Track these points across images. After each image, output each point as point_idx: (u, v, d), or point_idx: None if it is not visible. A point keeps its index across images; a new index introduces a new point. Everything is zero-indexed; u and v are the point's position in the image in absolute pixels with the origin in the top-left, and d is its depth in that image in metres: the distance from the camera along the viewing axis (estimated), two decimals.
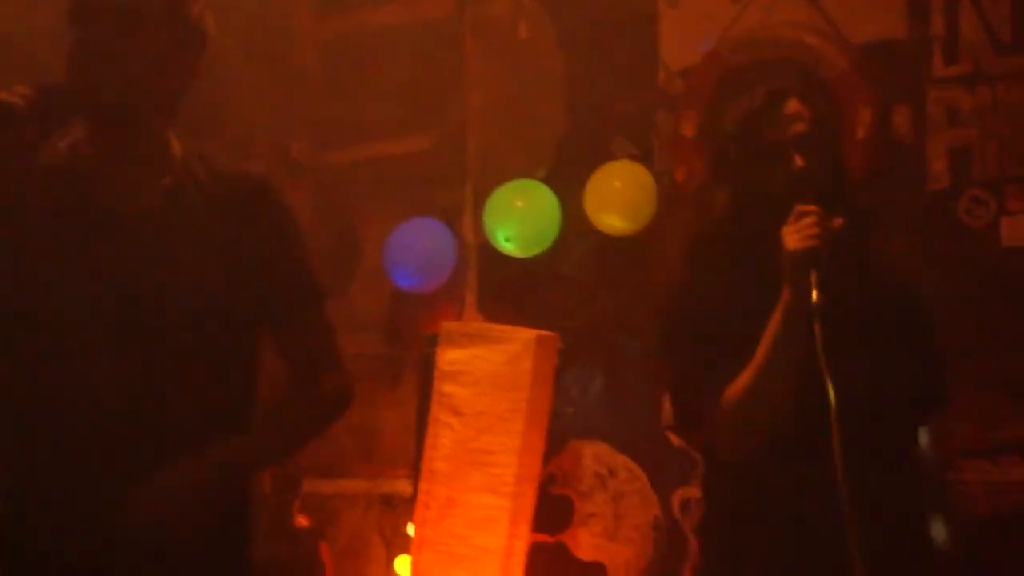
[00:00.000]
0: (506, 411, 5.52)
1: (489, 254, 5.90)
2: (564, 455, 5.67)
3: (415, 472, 5.70)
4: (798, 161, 3.29)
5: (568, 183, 5.73)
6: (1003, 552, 4.66)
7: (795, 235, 3.16)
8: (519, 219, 5.76)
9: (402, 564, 5.75)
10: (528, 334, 5.56)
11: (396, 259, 5.97)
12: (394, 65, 6.23)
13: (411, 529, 5.64)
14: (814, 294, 3.10)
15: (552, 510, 5.62)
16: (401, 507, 5.93)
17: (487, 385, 5.57)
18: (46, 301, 3.03)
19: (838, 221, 3.18)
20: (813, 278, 3.11)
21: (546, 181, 5.81)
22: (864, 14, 5.26)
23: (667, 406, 4.36)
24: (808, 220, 3.16)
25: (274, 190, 3.35)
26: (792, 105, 3.35)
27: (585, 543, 5.61)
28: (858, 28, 5.25)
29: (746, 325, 3.23)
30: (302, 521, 5.94)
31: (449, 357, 5.67)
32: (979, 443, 4.86)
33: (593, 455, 5.64)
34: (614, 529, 5.56)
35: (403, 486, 5.94)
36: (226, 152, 6.18)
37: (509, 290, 5.92)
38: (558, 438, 5.61)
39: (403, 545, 5.78)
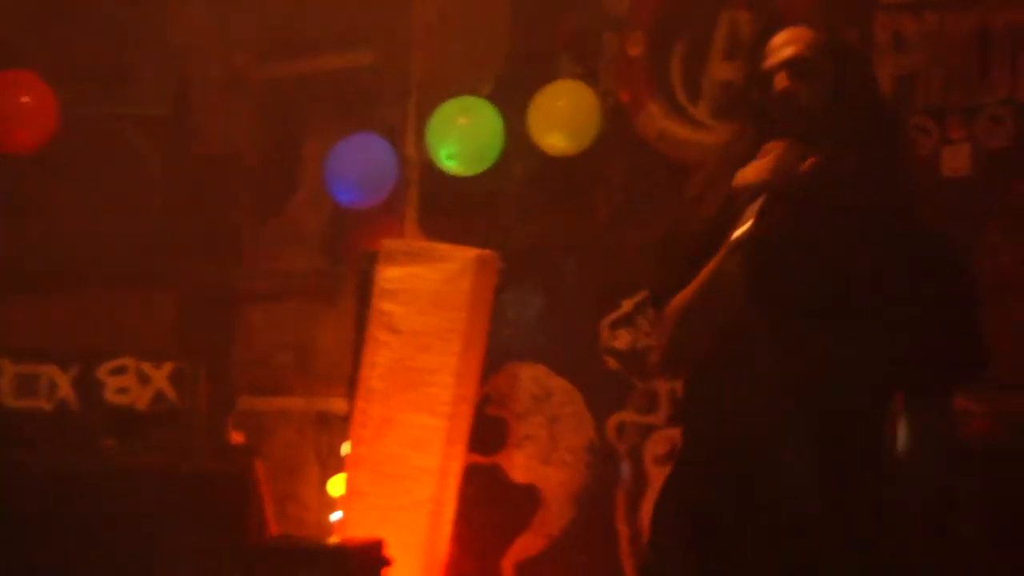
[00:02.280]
0: (444, 330, 5.49)
1: (431, 171, 5.83)
2: (501, 376, 5.64)
3: (352, 390, 5.66)
4: (780, 81, 3.21)
5: (512, 101, 5.66)
6: None
7: (753, 169, 3.13)
8: (462, 136, 5.69)
9: (336, 483, 5.72)
10: (468, 253, 5.52)
11: (337, 174, 5.90)
12: None
13: (346, 448, 5.61)
14: (751, 223, 3.06)
15: (487, 431, 5.60)
16: (337, 425, 5.89)
17: (426, 304, 5.54)
18: None
19: (808, 161, 3.10)
20: (756, 207, 3.07)
21: (490, 99, 5.74)
22: None
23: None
24: (770, 156, 3.12)
25: None
26: (783, 35, 3.27)
27: (520, 465, 5.59)
28: None
29: None
30: (236, 438, 5.91)
31: (388, 275, 5.63)
32: None
33: (530, 377, 5.61)
34: (549, 451, 5.54)
35: (339, 404, 5.90)
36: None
37: (450, 208, 5.85)
38: (495, 359, 5.59)
39: (338, 464, 5.74)
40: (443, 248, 5.60)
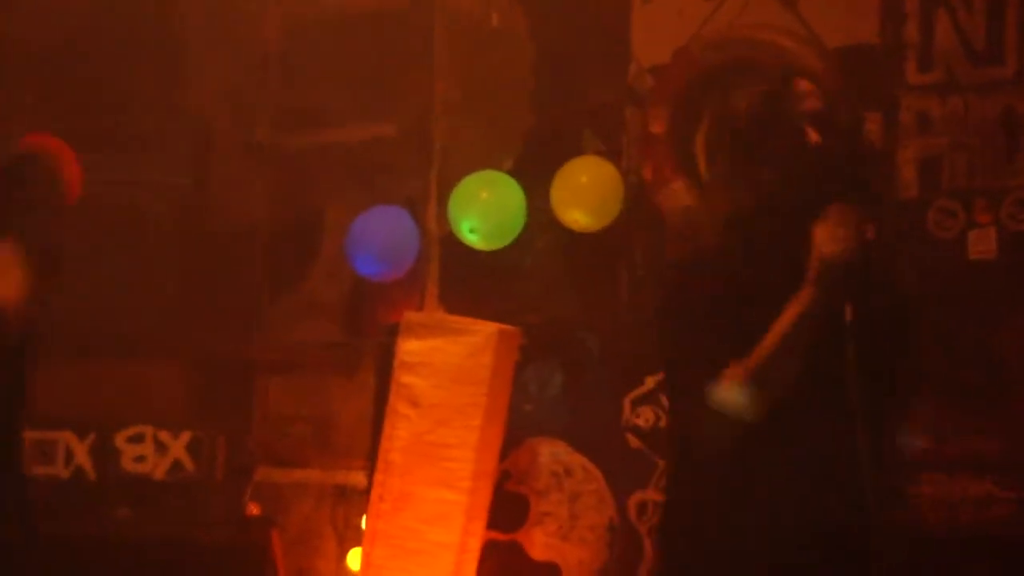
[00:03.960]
0: (464, 405, 5.46)
1: (452, 245, 5.84)
2: (521, 452, 5.62)
3: (370, 464, 5.64)
4: (813, 136, 3.15)
5: (535, 176, 5.67)
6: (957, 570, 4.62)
7: (831, 240, 3.04)
8: (484, 211, 5.69)
9: (354, 557, 5.69)
10: (489, 327, 5.50)
11: (358, 246, 5.90)
12: (362, 51, 6.16)
13: (364, 522, 5.58)
14: (848, 311, 3.03)
15: (507, 508, 5.57)
16: (355, 499, 5.87)
17: (446, 377, 5.51)
18: None
19: (870, 231, 3.06)
20: (845, 293, 3.03)
21: (512, 173, 5.75)
22: (839, 18, 5.21)
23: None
24: (847, 227, 3.03)
25: None
26: (804, 84, 3.25)
27: (539, 542, 5.57)
28: (833, 32, 5.21)
29: (754, 312, 3.09)
30: (254, 509, 5.88)
31: (409, 348, 5.61)
32: (936, 456, 4.83)
33: (550, 453, 5.59)
34: (568, 529, 5.51)
35: (358, 478, 5.89)
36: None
37: (471, 282, 5.86)
38: (515, 435, 5.57)
39: (355, 537, 5.72)
40: (464, 322, 5.58)
